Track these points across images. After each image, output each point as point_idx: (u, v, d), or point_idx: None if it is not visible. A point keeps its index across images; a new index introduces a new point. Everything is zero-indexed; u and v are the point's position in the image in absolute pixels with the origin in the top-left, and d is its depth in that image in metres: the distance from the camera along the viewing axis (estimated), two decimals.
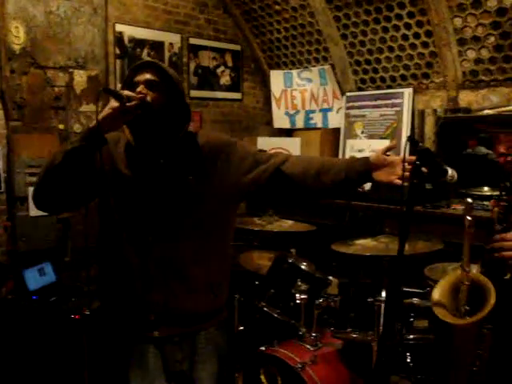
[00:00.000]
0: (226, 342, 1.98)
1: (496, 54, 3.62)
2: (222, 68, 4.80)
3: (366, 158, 1.78)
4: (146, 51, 4.19)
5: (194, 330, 1.86)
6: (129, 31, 4.05)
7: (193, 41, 4.50)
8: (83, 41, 3.74)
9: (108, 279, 1.92)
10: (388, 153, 1.74)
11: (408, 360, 2.47)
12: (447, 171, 1.50)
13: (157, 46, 4.25)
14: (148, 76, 1.74)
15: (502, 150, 3.76)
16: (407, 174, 1.51)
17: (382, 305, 2.09)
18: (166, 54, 4.32)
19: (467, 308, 1.52)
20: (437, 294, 1.57)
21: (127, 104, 1.63)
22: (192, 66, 4.53)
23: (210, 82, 4.72)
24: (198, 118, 4.59)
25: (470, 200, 1.51)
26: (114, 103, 1.63)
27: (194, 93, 4.56)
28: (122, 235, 1.80)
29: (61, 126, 3.66)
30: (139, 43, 4.14)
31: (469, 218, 1.48)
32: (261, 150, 2.00)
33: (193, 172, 1.80)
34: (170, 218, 1.79)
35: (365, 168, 1.75)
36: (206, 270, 1.83)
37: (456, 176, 1.52)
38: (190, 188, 1.80)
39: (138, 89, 1.70)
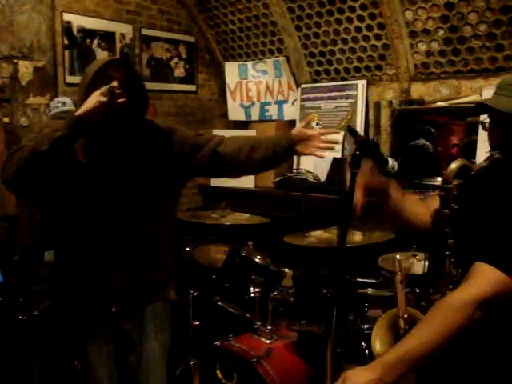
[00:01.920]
0: (169, 315, 2.17)
1: (445, 46, 3.68)
2: (175, 60, 4.71)
3: (290, 134, 2.00)
4: (96, 42, 4.06)
5: (147, 302, 2.03)
6: (77, 21, 3.91)
7: (145, 32, 4.40)
8: (28, 30, 3.59)
9: (65, 266, 2.02)
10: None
11: (363, 349, 2.48)
12: (388, 161, 1.48)
13: (108, 37, 4.13)
14: (121, 73, 1.85)
15: (454, 141, 3.84)
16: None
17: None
18: (118, 45, 4.20)
19: None
20: (377, 345, 1.52)
21: (118, 101, 1.72)
22: (145, 57, 4.43)
23: (164, 74, 4.63)
24: (152, 111, 4.49)
25: (398, 257, 1.47)
26: (101, 97, 1.70)
27: (147, 85, 4.34)
28: (82, 222, 1.89)
29: (6, 120, 3.51)
30: (89, 33, 4.01)
31: (400, 273, 1.46)
32: (198, 134, 2.09)
33: (143, 158, 1.95)
34: (125, 202, 1.91)
35: (288, 143, 1.96)
36: (158, 247, 2.01)
37: (396, 166, 1.49)
38: (142, 173, 1.94)
39: (114, 83, 1.74)
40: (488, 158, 1.42)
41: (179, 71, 4.75)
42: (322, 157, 2.04)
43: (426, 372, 1.44)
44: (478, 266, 1.29)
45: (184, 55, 4.77)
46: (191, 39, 4.82)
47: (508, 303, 1.31)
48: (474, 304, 1.25)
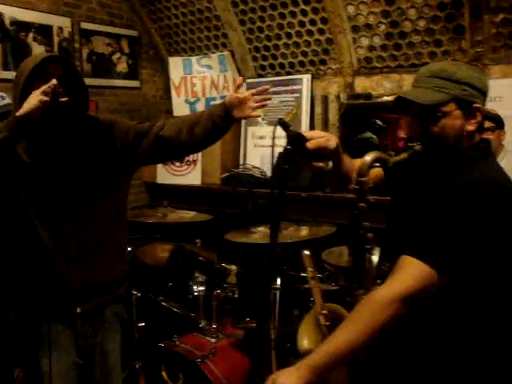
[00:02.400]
0: (125, 313, 2.21)
1: (387, 41, 3.73)
2: (118, 55, 4.57)
3: (223, 102, 2.06)
4: (31, 35, 3.88)
5: (109, 301, 2.03)
6: (10, 12, 3.72)
7: (85, 25, 4.24)
8: None
9: (20, 268, 1.96)
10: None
11: None
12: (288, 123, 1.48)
13: (44, 30, 3.95)
14: (60, 70, 1.82)
15: (401, 134, 3.89)
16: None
17: (278, 292, 2.07)
18: (55, 39, 4.03)
19: None
20: (304, 343, 1.51)
21: (61, 100, 1.70)
22: (85, 52, 4.27)
23: (106, 70, 4.48)
24: (94, 108, 4.35)
25: (307, 252, 1.46)
26: (43, 97, 1.66)
27: (88, 81, 4.27)
28: (34, 220, 1.86)
29: None
30: (23, 26, 3.82)
31: (310, 269, 1.45)
32: (140, 122, 2.08)
33: (86, 152, 1.94)
34: (75, 198, 1.90)
35: (223, 110, 2.01)
36: (115, 241, 2.02)
37: (331, 164, 1.48)
38: (87, 168, 1.94)
39: (54, 81, 1.71)
40: (407, 149, 1.43)
41: (122, 66, 4.61)
42: (258, 116, 2.14)
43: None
44: (405, 259, 1.29)
45: (126, 50, 4.64)
46: (134, 33, 4.69)
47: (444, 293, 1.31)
48: (399, 300, 1.25)
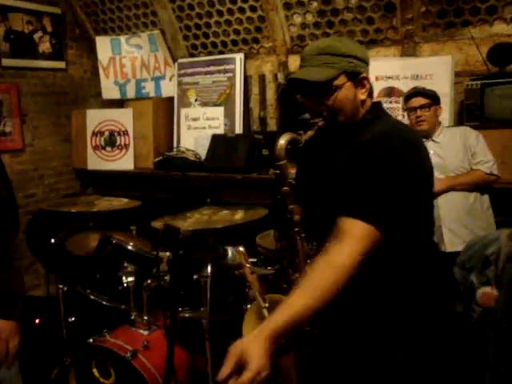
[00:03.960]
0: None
1: (319, 19, 3.67)
2: (39, 33, 4.28)
3: None
4: None
5: None
6: None
7: None
8: None
9: None
10: None
11: None
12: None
13: None
14: None
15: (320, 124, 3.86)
16: None
17: (208, 280, 1.98)
18: None
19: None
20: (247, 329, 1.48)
21: None
22: (1, 30, 3.96)
23: (27, 50, 4.18)
24: (15, 91, 4.07)
25: (241, 249, 1.41)
26: None
27: (6, 61, 4.01)
28: None
29: None
30: None
31: (247, 265, 1.41)
32: None
33: None
34: None
35: None
36: None
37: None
38: None
39: None
40: (312, 126, 1.47)
41: (45, 46, 4.33)
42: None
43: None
44: (345, 222, 1.31)
45: (49, 28, 4.35)
46: (57, 11, 4.40)
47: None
48: (357, 264, 1.28)
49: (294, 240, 1.42)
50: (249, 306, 1.50)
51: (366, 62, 1.49)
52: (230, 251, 1.43)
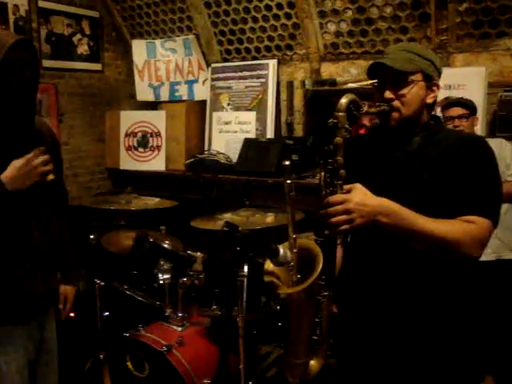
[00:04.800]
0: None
1: (354, 27, 3.72)
2: (78, 36, 4.41)
3: None
4: None
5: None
6: None
7: (42, 4, 4.06)
8: None
9: None
10: None
11: (281, 326, 2.48)
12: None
13: None
14: (27, 56, 1.71)
15: (365, 121, 3.89)
16: None
17: (245, 280, 2.03)
18: (11, 18, 3.86)
19: (298, 277, 1.49)
20: (270, 264, 1.51)
21: (48, 179, 1.73)
22: (43, 32, 4.10)
23: (66, 52, 4.31)
24: (54, 91, 4.20)
25: (287, 162, 1.44)
26: (38, 176, 1.68)
27: (47, 63, 4.14)
28: None
29: None
30: None
31: (288, 181, 1.43)
32: None
33: None
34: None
35: None
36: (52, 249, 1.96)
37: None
38: None
39: (46, 157, 1.71)
40: (377, 107, 1.54)
41: (83, 48, 4.46)
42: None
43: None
44: (474, 218, 1.44)
45: (88, 31, 4.48)
46: (95, 14, 4.53)
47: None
48: (482, 243, 1.44)
49: (335, 193, 1.43)
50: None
51: (439, 73, 1.61)
52: (281, 249, 1.47)
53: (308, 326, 1.48)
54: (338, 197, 1.37)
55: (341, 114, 1.44)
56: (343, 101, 1.45)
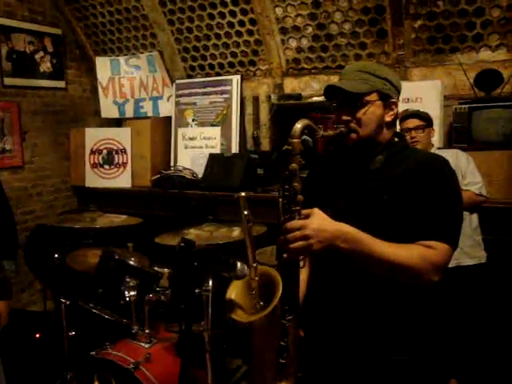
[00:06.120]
0: None
1: (314, 43, 3.81)
2: (41, 53, 4.39)
3: None
4: None
5: None
6: None
7: (3, 21, 4.03)
8: None
9: None
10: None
11: (245, 344, 2.48)
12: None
13: None
14: None
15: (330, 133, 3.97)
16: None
17: (210, 294, 2.06)
18: None
19: (261, 303, 1.47)
20: (232, 294, 1.51)
21: None
22: (4, 49, 4.07)
23: (28, 69, 4.28)
24: (16, 109, 4.16)
25: (243, 194, 1.43)
26: None
27: (8, 80, 4.10)
28: None
29: None
30: None
31: (245, 212, 1.42)
32: None
33: None
34: None
35: None
36: None
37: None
38: None
39: None
40: (334, 129, 1.56)
41: (45, 66, 4.43)
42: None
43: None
44: (432, 243, 1.44)
45: (50, 49, 4.46)
46: (58, 32, 4.52)
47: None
48: (439, 269, 1.43)
49: (293, 219, 1.43)
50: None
51: (398, 90, 1.61)
52: (238, 263, 1.48)
53: (273, 351, 1.48)
54: (295, 223, 1.37)
55: (295, 140, 1.43)
56: (297, 126, 1.44)
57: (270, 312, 1.40)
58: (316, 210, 1.40)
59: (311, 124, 1.48)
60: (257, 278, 1.45)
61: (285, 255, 1.41)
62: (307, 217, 1.39)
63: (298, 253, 1.39)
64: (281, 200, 1.44)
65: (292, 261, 1.43)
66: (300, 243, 1.35)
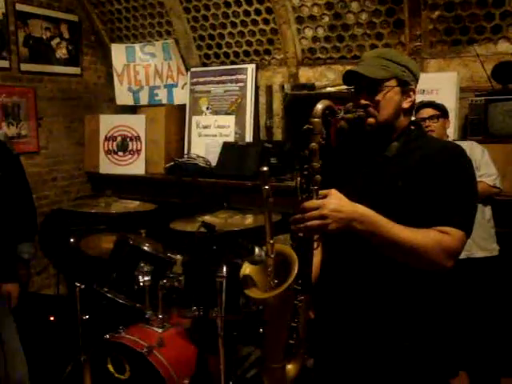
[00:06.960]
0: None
1: (330, 33, 3.79)
2: (57, 40, 4.41)
3: None
4: None
5: None
6: None
7: (20, 7, 4.05)
8: None
9: None
10: None
11: (261, 330, 2.50)
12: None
13: None
14: None
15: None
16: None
17: (224, 281, 2.08)
18: None
19: (276, 281, 1.46)
20: (246, 269, 1.52)
21: None
22: (21, 35, 4.09)
23: (45, 55, 4.31)
24: (32, 95, 4.19)
25: (265, 168, 1.40)
26: None
27: (25, 66, 4.13)
28: None
29: None
30: None
31: (266, 187, 1.40)
32: None
33: None
34: None
35: None
36: None
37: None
38: None
39: None
40: (353, 113, 1.56)
41: (61, 52, 4.45)
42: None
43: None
44: (447, 229, 1.45)
45: (66, 35, 4.48)
46: (74, 18, 4.54)
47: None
48: (454, 254, 1.45)
49: (311, 198, 1.44)
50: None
51: (416, 78, 1.62)
52: (256, 249, 1.49)
53: (285, 330, 1.49)
54: (313, 202, 1.38)
55: (316, 119, 1.44)
56: (319, 107, 1.45)
57: (284, 290, 1.40)
58: (334, 191, 1.41)
59: (332, 105, 1.48)
60: (273, 256, 1.46)
61: (300, 234, 1.42)
62: (325, 197, 1.40)
63: (314, 232, 1.40)
64: (299, 179, 1.44)
65: (306, 240, 1.44)
66: (317, 222, 1.36)
